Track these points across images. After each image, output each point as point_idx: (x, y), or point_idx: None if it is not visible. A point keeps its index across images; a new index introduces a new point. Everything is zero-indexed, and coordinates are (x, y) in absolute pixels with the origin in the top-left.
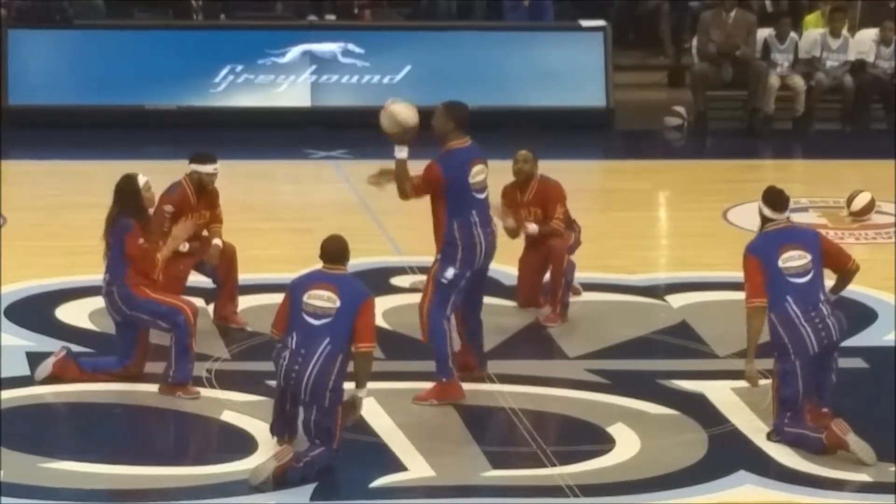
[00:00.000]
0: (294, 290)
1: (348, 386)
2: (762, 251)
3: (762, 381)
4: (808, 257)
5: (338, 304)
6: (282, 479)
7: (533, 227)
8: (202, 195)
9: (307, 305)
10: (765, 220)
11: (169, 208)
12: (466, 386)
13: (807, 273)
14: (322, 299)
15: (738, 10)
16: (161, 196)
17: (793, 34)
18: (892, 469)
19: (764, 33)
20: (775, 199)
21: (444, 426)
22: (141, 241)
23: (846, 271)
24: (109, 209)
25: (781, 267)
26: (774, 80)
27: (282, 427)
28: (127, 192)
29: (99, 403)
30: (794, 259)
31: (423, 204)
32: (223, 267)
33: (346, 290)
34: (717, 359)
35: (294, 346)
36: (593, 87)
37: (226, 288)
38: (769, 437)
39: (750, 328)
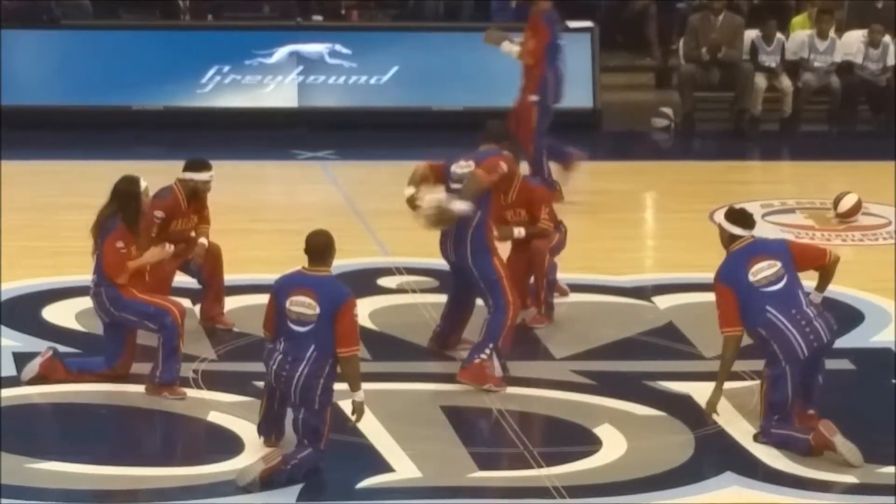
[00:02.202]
0: (278, 294)
1: (341, 388)
2: (731, 277)
3: (749, 383)
4: (778, 264)
5: (318, 310)
6: (268, 480)
7: (519, 231)
8: (193, 201)
9: (290, 312)
10: (732, 238)
11: (160, 214)
12: (452, 387)
13: (779, 280)
14: (303, 306)
15: (727, 12)
16: (152, 200)
17: (779, 35)
18: (879, 470)
19: (751, 35)
20: (742, 216)
21: (431, 427)
22: (119, 244)
23: (826, 265)
24: (103, 207)
25: (752, 281)
26: (761, 82)
27: (269, 427)
28: (126, 194)
29: (86, 404)
30: (763, 270)
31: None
32: (209, 267)
33: (324, 295)
34: (703, 360)
35: (282, 352)
36: (580, 88)
37: (212, 288)
38: (756, 438)
39: (723, 355)
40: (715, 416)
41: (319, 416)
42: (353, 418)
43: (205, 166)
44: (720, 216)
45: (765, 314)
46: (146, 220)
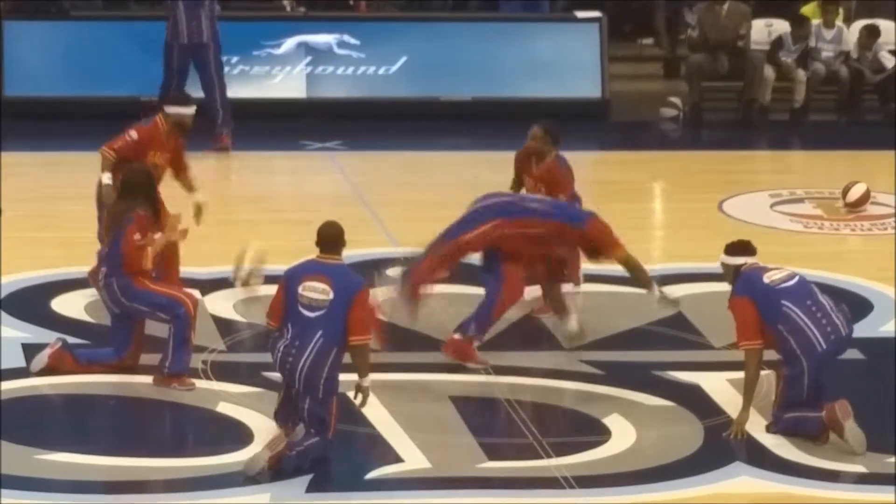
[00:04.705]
0: (289, 281)
1: (349, 378)
2: (746, 287)
3: (763, 372)
4: (790, 269)
5: (331, 296)
6: (276, 467)
7: None
8: (171, 138)
9: (302, 297)
10: (738, 270)
11: (134, 134)
12: (462, 378)
13: (792, 278)
14: (316, 291)
15: (732, 1)
16: (134, 126)
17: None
18: (888, 460)
19: (759, 24)
20: (745, 247)
21: (440, 417)
22: (137, 236)
23: None
24: (115, 201)
25: (768, 283)
26: (770, 73)
27: (287, 414)
28: (138, 185)
29: (94, 395)
30: (776, 273)
31: (419, 195)
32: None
33: (339, 282)
34: (712, 350)
35: (289, 338)
36: (589, 78)
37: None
38: (768, 429)
39: (747, 372)
40: (724, 408)
41: (324, 405)
42: (357, 401)
43: (190, 100)
44: (721, 256)
45: (781, 308)
46: (121, 139)
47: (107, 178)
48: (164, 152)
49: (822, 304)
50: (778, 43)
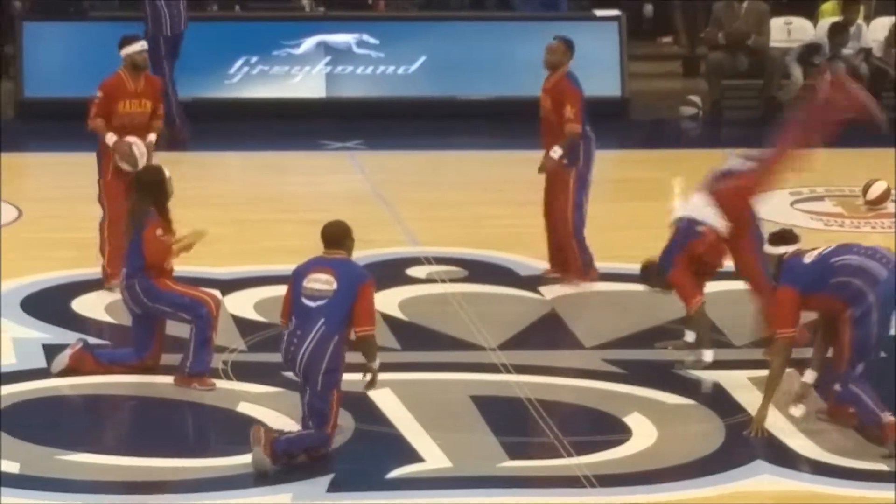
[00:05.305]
0: (296, 278)
1: (357, 378)
2: (789, 274)
3: (786, 370)
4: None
5: (335, 286)
6: (273, 452)
7: (555, 151)
8: (139, 81)
9: (305, 289)
10: (780, 258)
11: (98, 92)
12: (482, 377)
13: (829, 247)
14: (320, 282)
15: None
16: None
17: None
18: None
19: (778, 22)
20: (787, 236)
21: (461, 417)
22: (159, 231)
23: None
24: (131, 202)
25: (809, 261)
26: (799, 75)
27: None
28: (149, 183)
29: (115, 395)
30: (815, 250)
31: (438, 194)
32: None
33: (343, 274)
34: (733, 348)
35: (292, 328)
36: (608, 76)
37: None
38: (832, 385)
39: (773, 363)
40: (745, 406)
41: (324, 398)
42: (366, 380)
43: (135, 38)
44: (765, 247)
45: (832, 266)
46: (91, 105)
47: (111, 138)
48: (135, 98)
49: (865, 248)
50: (815, 48)
